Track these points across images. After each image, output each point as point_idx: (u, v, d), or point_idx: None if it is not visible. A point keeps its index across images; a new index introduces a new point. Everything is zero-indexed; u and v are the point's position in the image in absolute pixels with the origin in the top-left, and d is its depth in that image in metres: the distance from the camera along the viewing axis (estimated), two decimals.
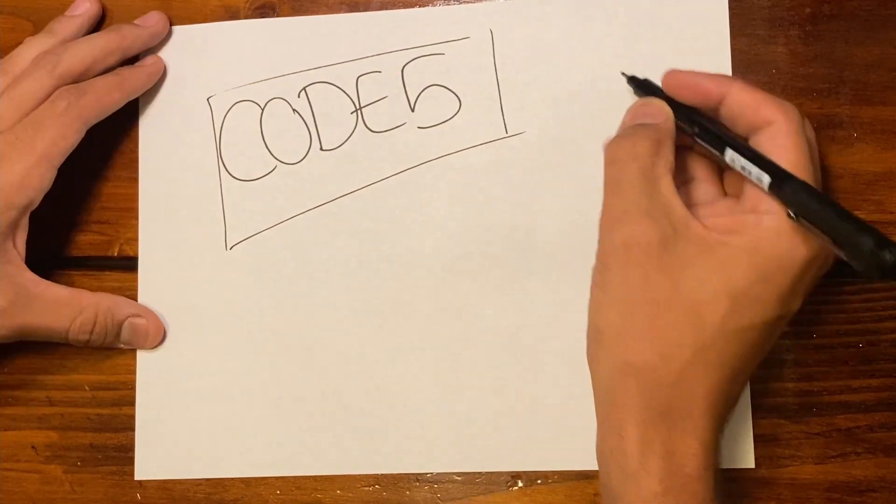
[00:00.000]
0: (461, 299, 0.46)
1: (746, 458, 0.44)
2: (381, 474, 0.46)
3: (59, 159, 0.45)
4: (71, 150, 0.45)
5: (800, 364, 0.45)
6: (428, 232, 0.47)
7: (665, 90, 0.41)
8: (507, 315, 0.46)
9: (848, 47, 0.46)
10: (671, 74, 0.41)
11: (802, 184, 0.36)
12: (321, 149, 0.48)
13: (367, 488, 0.46)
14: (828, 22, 0.46)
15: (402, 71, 0.48)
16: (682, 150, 0.41)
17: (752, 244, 0.37)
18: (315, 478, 0.47)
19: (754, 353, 0.38)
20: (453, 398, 0.46)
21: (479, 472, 0.46)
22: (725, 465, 0.44)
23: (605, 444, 0.38)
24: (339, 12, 0.49)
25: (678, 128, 0.40)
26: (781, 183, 0.36)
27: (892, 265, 0.32)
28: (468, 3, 0.48)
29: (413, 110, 0.48)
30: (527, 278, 0.46)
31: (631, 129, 0.40)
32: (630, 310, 0.37)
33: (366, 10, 0.49)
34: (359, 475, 0.46)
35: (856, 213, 0.44)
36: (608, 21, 0.47)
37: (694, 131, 0.40)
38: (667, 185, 0.38)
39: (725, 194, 0.41)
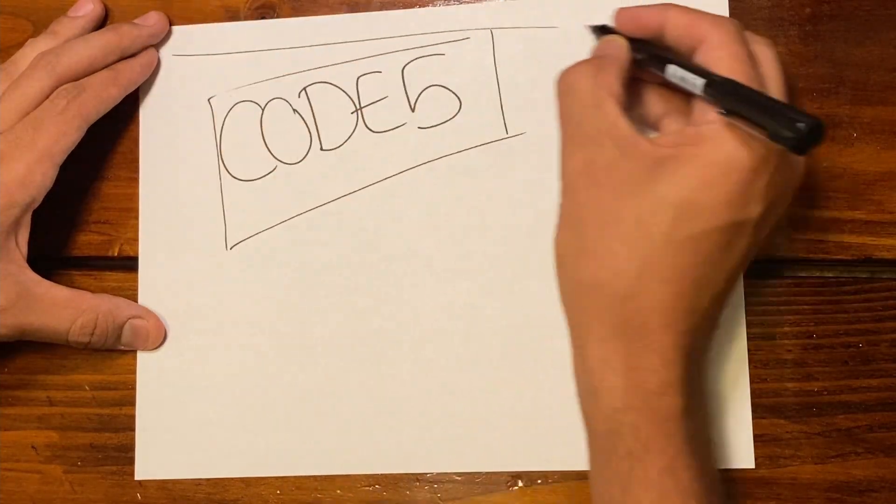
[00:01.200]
0: (461, 299, 0.46)
1: (746, 458, 0.44)
2: (381, 474, 0.46)
3: (60, 157, 0.45)
4: (72, 148, 0.45)
5: (800, 364, 0.45)
6: (428, 232, 0.47)
7: (617, 28, 0.43)
8: (507, 315, 0.46)
9: (848, 47, 0.46)
10: (618, 12, 0.42)
11: (727, 79, 0.37)
12: (321, 149, 0.48)
13: (367, 488, 0.46)
14: (828, 22, 0.46)
15: (403, 71, 0.48)
16: (654, 87, 0.43)
17: (694, 152, 0.37)
18: (315, 478, 0.47)
19: (713, 263, 0.37)
20: (453, 398, 0.46)
21: (479, 472, 0.46)
22: (725, 466, 0.44)
23: (574, 366, 0.39)
24: (339, 12, 0.49)
25: (644, 65, 0.42)
26: (713, 84, 0.37)
27: (804, 135, 0.33)
28: (468, 3, 0.48)
29: (413, 110, 0.48)
30: (527, 278, 0.46)
31: (575, 63, 0.41)
32: (582, 231, 0.38)
33: (366, 10, 0.49)
34: (359, 475, 0.46)
35: (856, 213, 0.45)
36: (608, 21, 0.46)
37: (642, 58, 0.41)
38: (611, 108, 0.39)
39: None
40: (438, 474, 0.46)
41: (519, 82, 0.47)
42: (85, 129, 0.46)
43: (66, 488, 0.48)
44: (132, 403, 0.48)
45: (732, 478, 0.44)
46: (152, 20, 0.49)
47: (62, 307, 0.45)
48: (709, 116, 0.37)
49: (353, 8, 0.49)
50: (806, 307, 0.45)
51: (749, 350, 0.45)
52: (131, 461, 0.48)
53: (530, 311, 0.46)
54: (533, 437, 0.45)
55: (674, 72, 0.39)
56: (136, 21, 0.49)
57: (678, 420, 0.37)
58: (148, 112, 0.49)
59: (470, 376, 0.46)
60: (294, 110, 0.48)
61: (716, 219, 0.36)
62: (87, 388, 0.48)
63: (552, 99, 0.47)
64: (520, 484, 0.46)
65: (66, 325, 0.45)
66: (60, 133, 0.45)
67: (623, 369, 0.37)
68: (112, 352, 0.48)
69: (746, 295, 0.45)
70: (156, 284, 0.48)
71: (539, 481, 0.45)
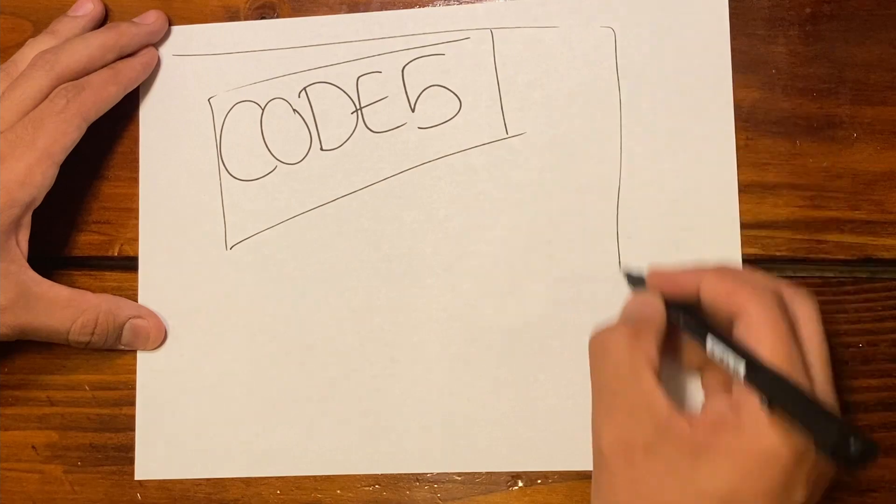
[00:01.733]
0: (461, 299, 0.46)
1: None
2: (381, 474, 0.46)
3: (60, 156, 0.45)
4: (72, 147, 0.45)
5: None
6: (428, 232, 0.47)
7: (651, 286, 0.41)
8: (507, 315, 0.46)
9: (848, 47, 0.46)
10: (652, 271, 0.41)
11: (772, 373, 0.36)
12: (321, 149, 0.48)
13: (367, 488, 0.46)
14: (828, 22, 0.46)
15: (403, 71, 0.48)
16: (691, 345, 0.41)
17: (734, 443, 0.36)
18: (315, 478, 0.47)
19: None
20: (453, 398, 0.46)
21: (479, 472, 0.46)
22: None
23: None
24: (339, 12, 0.49)
25: (681, 329, 0.40)
26: (755, 373, 0.36)
27: (856, 455, 0.32)
28: (468, 3, 0.48)
29: (413, 110, 0.48)
30: (527, 278, 0.46)
31: (612, 324, 0.40)
32: None
33: (366, 10, 0.49)
34: (359, 475, 0.46)
35: (856, 213, 0.45)
36: (608, 21, 0.47)
37: (678, 323, 0.40)
38: (648, 380, 0.37)
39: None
40: (438, 474, 0.46)
41: (519, 82, 0.47)
42: (85, 129, 0.46)
43: (66, 488, 0.48)
44: (132, 403, 0.48)
45: None
46: (151, 18, 0.49)
47: (63, 307, 0.45)
48: (750, 404, 0.36)
49: (353, 8, 0.49)
50: None
51: None
52: (131, 461, 0.48)
53: (530, 311, 0.46)
54: (533, 437, 0.45)
55: (713, 349, 0.38)
56: (134, 20, 0.49)
57: None
58: (148, 112, 0.49)
59: (470, 376, 0.46)
60: (294, 110, 0.48)
61: None
62: (87, 388, 0.48)
63: (552, 99, 0.47)
64: (520, 484, 0.46)
65: (66, 324, 0.45)
66: (60, 132, 0.44)
67: None
68: (112, 352, 0.48)
69: None
70: (156, 284, 0.48)
71: (539, 481, 0.45)
